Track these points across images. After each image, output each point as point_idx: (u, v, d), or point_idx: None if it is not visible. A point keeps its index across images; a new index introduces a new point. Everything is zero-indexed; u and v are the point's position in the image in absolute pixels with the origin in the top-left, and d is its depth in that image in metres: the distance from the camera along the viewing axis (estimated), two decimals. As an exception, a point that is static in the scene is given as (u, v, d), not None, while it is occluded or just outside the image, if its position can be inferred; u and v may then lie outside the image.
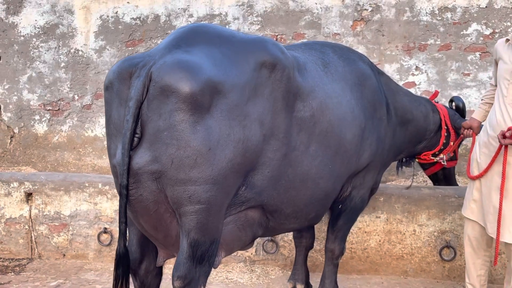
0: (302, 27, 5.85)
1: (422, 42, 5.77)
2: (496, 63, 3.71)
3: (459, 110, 4.50)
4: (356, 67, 3.45)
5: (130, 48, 6.27)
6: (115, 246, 4.86)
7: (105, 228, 4.86)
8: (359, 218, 4.67)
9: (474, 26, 5.72)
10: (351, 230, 4.70)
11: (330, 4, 5.81)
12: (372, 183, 3.72)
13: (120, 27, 6.28)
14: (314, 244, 4.45)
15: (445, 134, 4.22)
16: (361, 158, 3.37)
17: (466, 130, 4.14)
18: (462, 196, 4.67)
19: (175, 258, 2.60)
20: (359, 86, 3.38)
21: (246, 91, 2.49)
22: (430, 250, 4.64)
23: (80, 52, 6.37)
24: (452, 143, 4.33)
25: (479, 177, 3.63)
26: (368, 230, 4.70)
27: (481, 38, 5.71)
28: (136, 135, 2.34)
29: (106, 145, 2.62)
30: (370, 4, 5.80)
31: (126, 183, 2.33)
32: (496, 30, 5.66)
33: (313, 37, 5.82)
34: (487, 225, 3.58)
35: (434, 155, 4.39)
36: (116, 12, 6.27)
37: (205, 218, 2.40)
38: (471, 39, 5.72)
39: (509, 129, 3.42)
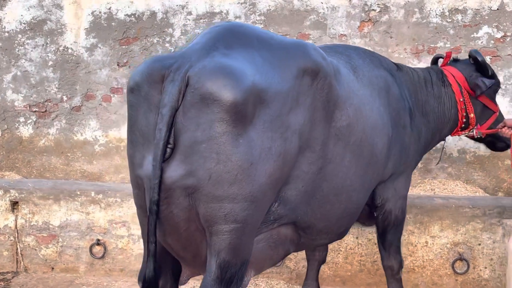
0: (307, 27, 5.77)
1: (431, 45, 5.73)
2: None
3: (479, 65, 3.94)
4: (379, 73, 3.40)
5: (124, 47, 6.14)
6: (108, 259, 4.77)
7: (98, 240, 4.76)
8: (368, 229, 4.62)
9: (485, 29, 5.70)
10: (359, 242, 4.64)
11: (336, 4, 5.74)
12: (407, 191, 3.67)
13: (113, 24, 6.15)
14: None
15: (463, 107, 3.91)
16: (386, 168, 3.32)
17: (507, 128, 3.90)
18: (476, 206, 4.69)
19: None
20: (385, 92, 3.33)
21: (288, 100, 2.40)
22: (443, 263, 4.62)
23: (70, 50, 6.22)
24: (472, 115, 3.93)
25: None
26: (378, 241, 4.64)
27: (492, 42, 5.69)
28: (169, 146, 2.22)
29: (127, 153, 2.48)
30: (378, 4, 5.74)
31: (158, 198, 2.20)
32: (508, 33, 5.65)
33: (319, 38, 5.74)
34: None
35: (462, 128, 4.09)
36: (109, 8, 6.14)
37: (239, 238, 2.30)
38: (482, 42, 5.70)
39: None
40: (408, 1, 5.74)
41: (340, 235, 3.15)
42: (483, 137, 4.03)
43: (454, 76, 3.91)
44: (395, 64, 3.85)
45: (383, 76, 3.40)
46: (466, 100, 3.89)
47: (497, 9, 5.69)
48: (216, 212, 2.24)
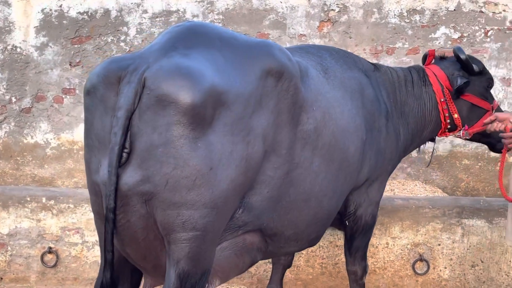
0: (266, 27, 5.75)
1: (390, 46, 5.80)
2: None
3: (461, 63, 3.77)
4: (353, 74, 3.34)
5: (76, 46, 5.99)
6: (61, 267, 4.63)
7: (50, 248, 4.62)
8: (329, 232, 4.62)
9: (443, 29, 5.81)
10: (321, 244, 4.64)
11: (295, 3, 5.74)
12: (380, 197, 3.62)
13: (65, 22, 5.98)
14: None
15: (444, 107, 3.76)
16: (361, 173, 3.27)
17: (497, 123, 3.64)
18: (436, 206, 4.74)
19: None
20: (359, 94, 3.27)
21: (251, 102, 2.34)
22: (403, 264, 4.65)
23: (18, 49, 6.04)
24: (456, 116, 3.77)
25: None
26: (340, 243, 4.64)
27: (449, 42, 5.80)
28: (125, 150, 2.14)
29: (84, 158, 2.39)
30: (337, 4, 5.77)
31: (114, 205, 2.12)
32: (464, 34, 5.77)
33: (278, 38, 5.73)
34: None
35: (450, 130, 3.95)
36: (61, 6, 5.98)
37: (199, 247, 2.23)
38: (440, 43, 5.80)
39: None
40: (367, 1, 5.79)
41: (311, 242, 3.10)
42: (469, 137, 3.87)
43: (436, 76, 3.78)
44: (373, 64, 3.78)
45: (356, 78, 3.34)
46: (448, 100, 3.75)
47: (454, 9, 5.80)
48: (173, 220, 2.17)
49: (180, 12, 5.88)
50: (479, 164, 6.01)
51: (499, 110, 3.91)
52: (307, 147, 2.70)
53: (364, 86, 3.36)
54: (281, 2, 5.71)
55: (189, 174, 2.14)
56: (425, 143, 4.01)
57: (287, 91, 2.52)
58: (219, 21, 5.77)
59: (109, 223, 2.14)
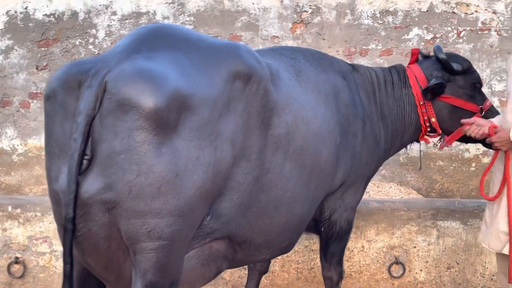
0: (238, 29, 5.69)
1: (364, 47, 5.79)
2: None
3: (441, 63, 3.59)
4: (328, 77, 3.27)
5: (43, 49, 5.87)
6: (28, 278, 4.51)
7: (17, 258, 4.50)
8: (304, 236, 4.57)
9: (416, 30, 5.82)
10: (296, 249, 4.59)
11: (268, 5, 5.69)
12: (356, 203, 3.55)
13: (31, 24, 5.86)
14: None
15: (423, 110, 3.59)
16: (335, 178, 3.20)
17: (474, 126, 3.50)
18: (411, 209, 4.72)
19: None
20: (333, 98, 3.20)
21: (218, 106, 2.27)
22: (379, 267, 4.63)
23: (-18, 53, 5.90)
24: (434, 120, 3.58)
25: (495, 199, 3.40)
26: (315, 248, 4.60)
27: (422, 43, 5.81)
28: (86, 157, 2.06)
29: (45, 165, 2.30)
30: (310, 5, 5.74)
31: (73, 215, 2.03)
32: (437, 35, 5.79)
33: (251, 40, 5.67)
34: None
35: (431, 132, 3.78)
36: (26, 8, 5.86)
37: (166, 257, 2.15)
38: (413, 44, 5.81)
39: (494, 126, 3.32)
40: (340, 3, 5.77)
41: (284, 249, 3.04)
42: (447, 146, 3.72)
43: (416, 77, 3.62)
44: (352, 65, 3.68)
45: (331, 80, 3.26)
46: (426, 103, 3.59)
47: (427, 10, 5.82)
48: (138, 229, 2.09)
49: (150, 14, 5.79)
50: (454, 165, 6.04)
51: (491, 110, 3.70)
52: (278, 152, 2.64)
53: (339, 89, 3.29)
54: (253, 4, 5.67)
55: (154, 181, 2.06)
56: (406, 146, 3.88)
57: (256, 94, 2.47)
58: (190, 23, 5.69)
59: (68, 234, 2.06)
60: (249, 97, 2.44)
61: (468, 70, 3.65)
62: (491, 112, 3.70)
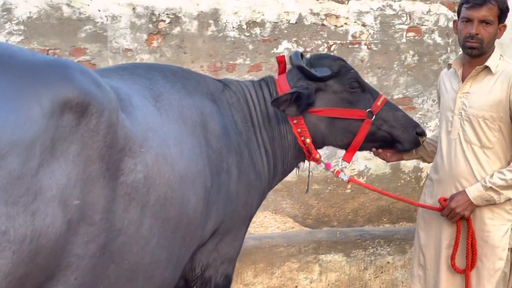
0: (82, 40, 4.86)
1: (230, 62, 5.27)
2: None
3: (302, 70, 3.05)
4: (194, 101, 2.67)
5: None
6: None
7: None
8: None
9: (285, 43, 5.43)
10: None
11: (117, 13, 4.93)
12: (235, 252, 2.98)
13: None
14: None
15: (298, 130, 3.04)
16: (206, 228, 2.64)
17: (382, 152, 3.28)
18: (291, 244, 4.45)
19: None
20: (201, 128, 2.62)
21: (36, 152, 1.66)
22: (259, 313, 4.19)
23: None
24: (308, 140, 3.04)
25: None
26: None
27: (288, 58, 5.45)
28: None
29: None
30: (167, 14, 5.08)
31: None
32: (308, 49, 5.46)
33: (98, 53, 4.88)
34: None
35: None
36: None
37: None
38: (283, 58, 5.42)
39: (445, 199, 3.08)
40: (202, 12, 5.19)
41: None
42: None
43: (282, 90, 3.03)
44: (223, 82, 3.07)
45: (198, 106, 2.68)
46: (299, 121, 3.03)
47: (296, 22, 5.45)
48: None
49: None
50: (329, 188, 5.75)
51: (387, 108, 3.19)
52: (134, 206, 2.10)
53: (208, 116, 2.70)
54: (99, 11, 4.86)
55: None
56: (291, 171, 3.31)
57: (96, 131, 1.87)
58: (20, 32, 4.72)
59: None
60: (86, 135, 1.84)
61: (340, 72, 3.10)
62: (387, 111, 3.19)
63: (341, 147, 3.25)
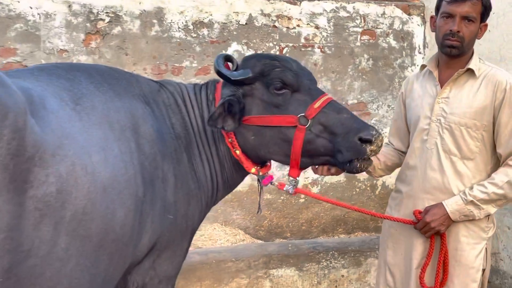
0: (12, 40, 4.50)
1: (176, 64, 5.00)
2: (405, 106, 3.03)
3: (219, 74, 2.67)
4: (123, 103, 2.39)
5: None
6: None
7: None
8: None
9: (235, 46, 5.19)
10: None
11: (51, 10, 4.59)
12: (175, 269, 2.67)
13: None
14: None
15: (229, 140, 2.71)
16: (139, 245, 2.38)
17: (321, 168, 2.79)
18: (240, 258, 4.24)
19: None
20: (132, 132, 2.34)
21: None
22: (204, 334, 3.92)
23: None
24: (238, 152, 2.69)
25: None
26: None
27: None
28: None
29: None
30: (107, 12, 4.77)
31: None
32: (258, 51, 5.23)
33: (30, 54, 4.53)
34: None
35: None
36: None
37: None
38: (232, 61, 5.18)
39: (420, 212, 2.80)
40: (144, 11, 4.90)
41: None
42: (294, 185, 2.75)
43: (219, 97, 2.70)
44: (159, 82, 2.77)
45: (128, 108, 2.40)
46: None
47: (246, 23, 5.22)
48: None
49: None
50: (282, 197, 5.53)
51: (326, 111, 2.60)
52: (46, 223, 1.86)
53: (139, 119, 2.42)
54: (31, 8, 4.52)
55: None
56: (236, 185, 2.95)
57: None
58: None
59: None
60: None
61: (263, 72, 2.65)
62: (327, 115, 2.61)
63: (281, 161, 2.78)
